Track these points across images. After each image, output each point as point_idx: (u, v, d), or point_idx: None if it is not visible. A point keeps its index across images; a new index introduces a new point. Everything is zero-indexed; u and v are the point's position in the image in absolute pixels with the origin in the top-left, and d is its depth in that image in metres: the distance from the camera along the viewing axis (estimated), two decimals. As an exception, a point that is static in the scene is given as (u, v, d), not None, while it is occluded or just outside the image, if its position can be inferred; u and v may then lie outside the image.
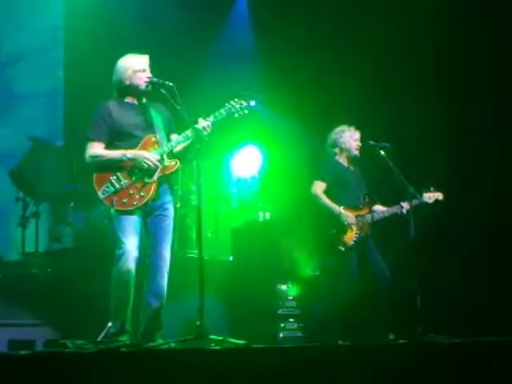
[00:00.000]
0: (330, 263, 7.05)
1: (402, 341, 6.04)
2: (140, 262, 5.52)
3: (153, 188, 5.53)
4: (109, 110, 5.62)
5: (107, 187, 5.46)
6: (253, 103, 5.86)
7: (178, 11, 9.01)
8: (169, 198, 5.69)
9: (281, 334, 7.50)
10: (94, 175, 5.52)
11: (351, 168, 7.26)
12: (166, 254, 5.60)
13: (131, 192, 5.48)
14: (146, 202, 5.50)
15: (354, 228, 6.96)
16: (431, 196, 7.03)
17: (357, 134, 7.21)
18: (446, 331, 6.01)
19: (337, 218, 6.93)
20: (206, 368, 4.25)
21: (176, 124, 5.80)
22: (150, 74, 5.69)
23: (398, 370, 4.66)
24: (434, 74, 8.33)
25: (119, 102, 5.71)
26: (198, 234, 5.47)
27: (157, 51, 6.04)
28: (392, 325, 6.76)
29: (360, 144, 7.19)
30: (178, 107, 5.51)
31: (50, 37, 9.40)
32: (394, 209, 7.04)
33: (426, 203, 7.00)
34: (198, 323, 5.20)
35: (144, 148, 5.58)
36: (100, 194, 5.47)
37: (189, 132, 5.57)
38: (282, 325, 7.55)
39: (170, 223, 5.66)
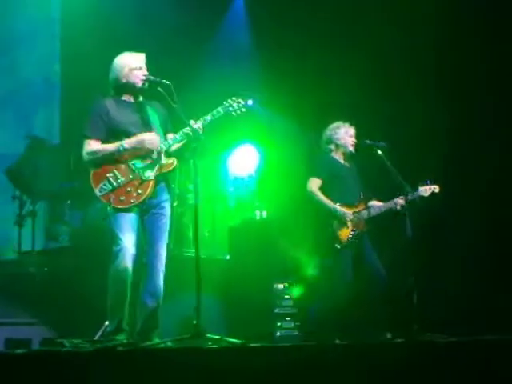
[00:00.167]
0: (326, 262, 7.03)
1: (398, 339, 6.04)
2: (137, 259, 5.51)
3: (150, 186, 5.52)
4: (106, 108, 5.61)
5: (104, 185, 5.45)
6: (250, 102, 5.87)
7: (176, 10, 9.01)
8: (166, 196, 5.69)
9: (278, 333, 7.49)
10: (91, 173, 5.51)
11: (347, 164, 7.25)
12: (163, 252, 5.59)
13: (128, 189, 5.47)
14: (144, 199, 5.50)
15: (350, 225, 6.95)
16: (427, 189, 6.97)
17: (351, 130, 7.19)
18: (442, 330, 6.00)
19: (332, 215, 6.92)
20: (203, 367, 4.24)
21: (172, 123, 5.80)
22: (146, 72, 5.68)
23: (395, 368, 4.66)
24: (434, 74, 8.32)
25: (116, 99, 5.70)
26: (195, 232, 5.46)
27: (154, 50, 6.03)
28: (389, 323, 6.75)
29: (355, 140, 7.18)
30: (175, 105, 5.51)
31: (46, 29, 9.37)
32: (389, 204, 7.03)
33: (422, 197, 6.95)
34: (195, 322, 5.20)
35: (141, 145, 5.59)
36: (97, 192, 5.46)
37: (185, 130, 5.57)
38: (279, 324, 7.54)
39: (166, 222, 5.65)
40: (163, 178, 5.64)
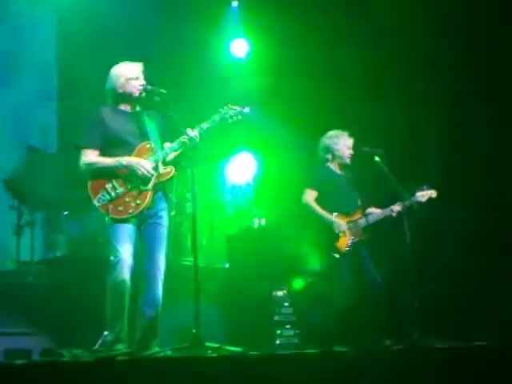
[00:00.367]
0: (325, 270, 7.04)
1: (398, 346, 6.03)
2: (135, 269, 5.51)
3: (148, 196, 5.52)
4: (101, 117, 5.61)
5: (103, 195, 5.45)
6: (247, 109, 5.88)
7: (172, 18, 9.02)
8: (163, 205, 5.68)
9: (277, 341, 7.47)
10: (89, 183, 5.51)
11: (343, 173, 7.24)
12: (161, 262, 5.58)
13: (127, 200, 5.47)
14: (142, 209, 5.49)
15: (348, 234, 6.95)
16: (424, 194, 6.97)
17: (350, 142, 7.16)
18: (442, 336, 6.00)
19: (329, 225, 6.92)
20: (203, 376, 4.24)
21: (169, 131, 5.80)
22: (143, 82, 5.69)
23: (395, 375, 4.66)
24: (429, 79, 8.34)
25: (112, 108, 5.70)
26: (193, 241, 5.47)
27: (151, 59, 6.05)
28: (388, 330, 6.75)
29: (352, 152, 7.17)
30: (172, 114, 5.51)
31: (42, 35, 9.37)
32: (387, 211, 7.02)
33: (420, 202, 6.95)
34: (194, 331, 5.20)
35: (139, 155, 5.57)
36: (95, 202, 5.46)
37: (182, 139, 5.57)
38: (279, 331, 7.52)
39: (164, 231, 5.64)
40: (161, 187, 5.64)
